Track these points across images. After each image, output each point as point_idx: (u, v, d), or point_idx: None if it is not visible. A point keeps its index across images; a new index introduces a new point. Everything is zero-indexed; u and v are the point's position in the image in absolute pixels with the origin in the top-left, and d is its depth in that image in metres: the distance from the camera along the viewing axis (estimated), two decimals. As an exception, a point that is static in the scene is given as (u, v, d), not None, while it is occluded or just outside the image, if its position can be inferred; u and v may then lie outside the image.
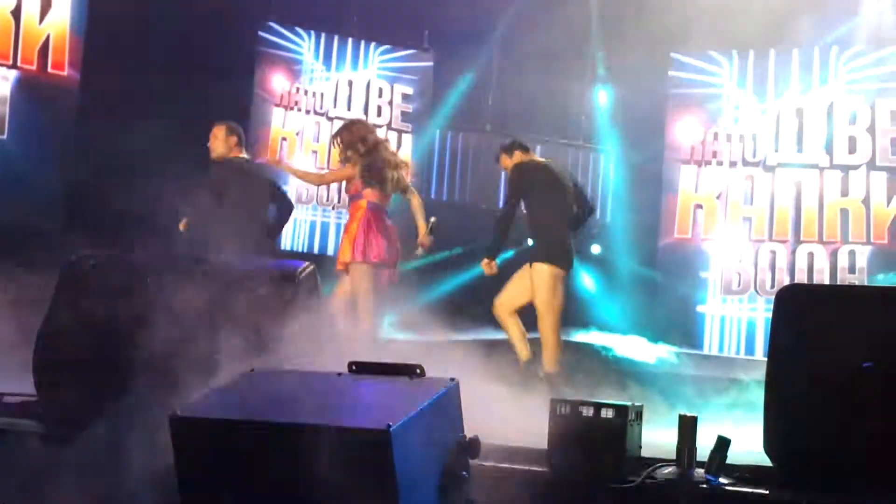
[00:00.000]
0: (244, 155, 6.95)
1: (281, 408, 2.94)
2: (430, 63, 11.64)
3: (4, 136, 9.45)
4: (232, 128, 6.91)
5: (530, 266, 6.81)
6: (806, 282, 10.67)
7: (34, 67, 9.59)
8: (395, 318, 9.49)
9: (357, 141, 6.84)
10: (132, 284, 4.03)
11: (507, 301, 6.87)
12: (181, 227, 6.70)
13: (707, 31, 10.82)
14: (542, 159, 7.41)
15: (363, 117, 11.44)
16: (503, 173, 8.40)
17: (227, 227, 6.28)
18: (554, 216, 6.83)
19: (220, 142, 6.81)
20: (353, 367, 3.37)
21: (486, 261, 6.88)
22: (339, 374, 3.22)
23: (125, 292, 3.97)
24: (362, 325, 6.57)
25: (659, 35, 10.74)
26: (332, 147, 6.94)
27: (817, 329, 3.54)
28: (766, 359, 3.70)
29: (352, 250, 6.73)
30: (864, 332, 3.47)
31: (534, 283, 6.72)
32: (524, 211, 7.01)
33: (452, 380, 3.11)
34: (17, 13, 9.52)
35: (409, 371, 3.18)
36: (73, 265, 4.16)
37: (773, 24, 10.61)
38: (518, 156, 7.06)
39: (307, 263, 4.20)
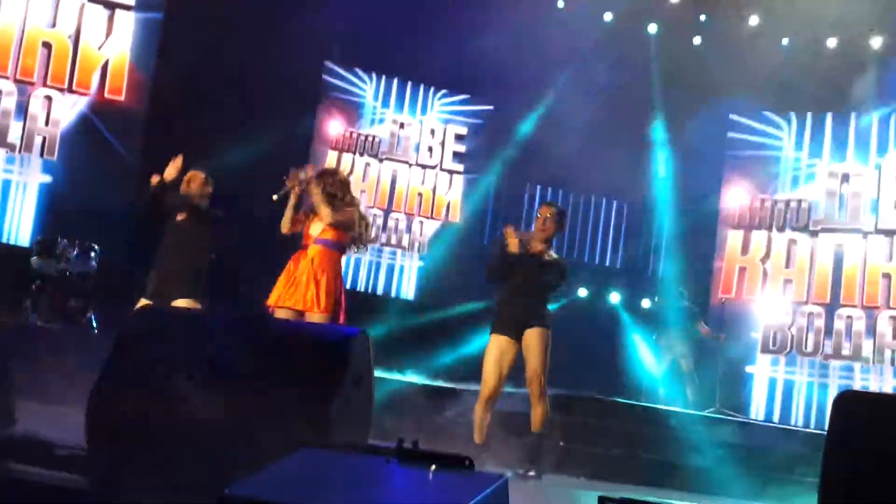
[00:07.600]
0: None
1: (329, 496, 2.93)
2: (490, 108, 11.68)
3: (55, 158, 9.58)
4: (210, 181, 6.80)
5: None
6: (850, 352, 10.50)
7: (90, 92, 9.70)
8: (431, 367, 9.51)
9: (345, 187, 6.55)
10: (190, 344, 4.04)
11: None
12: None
13: (766, 92, 10.74)
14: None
15: (414, 156, 11.47)
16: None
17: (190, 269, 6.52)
18: (505, 288, 6.58)
19: (197, 185, 6.70)
20: (401, 451, 3.36)
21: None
22: (388, 461, 3.21)
23: (182, 353, 3.99)
24: None
25: (719, 96, 10.68)
26: (315, 188, 6.46)
27: (875, 440, 3.46)
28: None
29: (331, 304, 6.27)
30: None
31: None
32: None
33: (501, 475, 3.08)
34: (75, 38, 9.67)
35: (458, 462, 3.15)
36: (133, 320, 4.19)
37: (832, 87, 10.51)
38: None
39: (360, 331, 4.18)
